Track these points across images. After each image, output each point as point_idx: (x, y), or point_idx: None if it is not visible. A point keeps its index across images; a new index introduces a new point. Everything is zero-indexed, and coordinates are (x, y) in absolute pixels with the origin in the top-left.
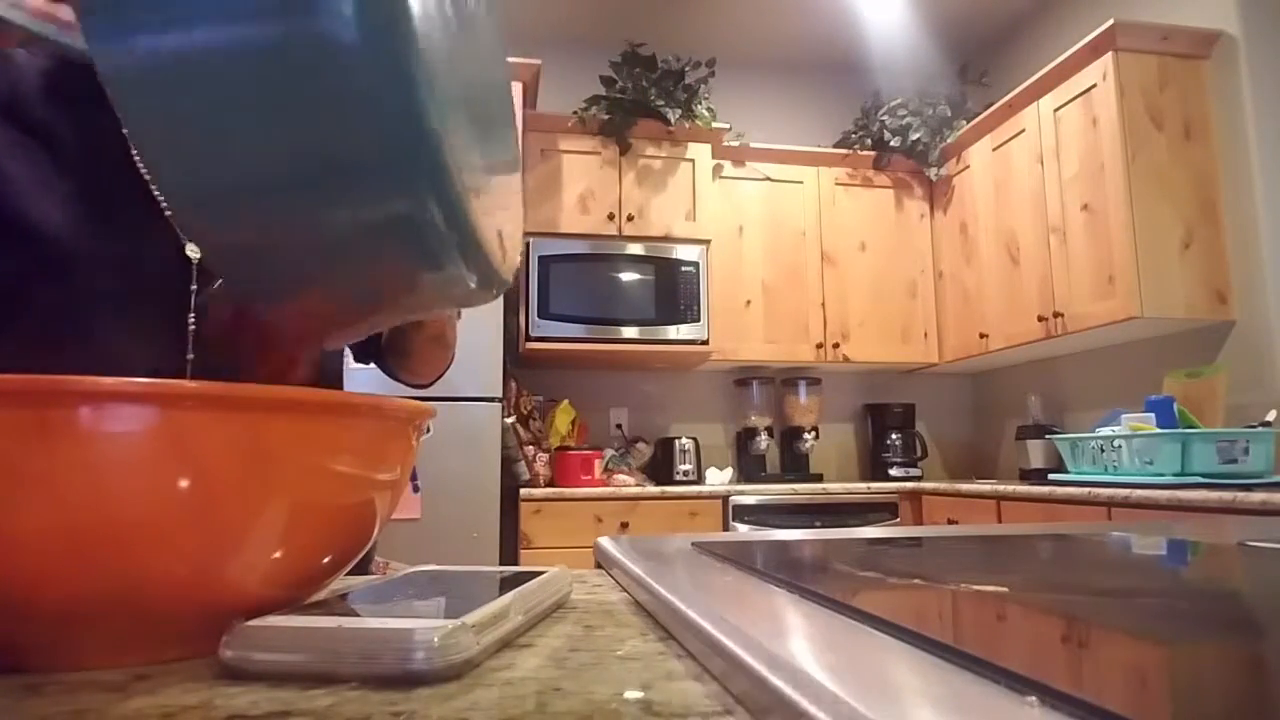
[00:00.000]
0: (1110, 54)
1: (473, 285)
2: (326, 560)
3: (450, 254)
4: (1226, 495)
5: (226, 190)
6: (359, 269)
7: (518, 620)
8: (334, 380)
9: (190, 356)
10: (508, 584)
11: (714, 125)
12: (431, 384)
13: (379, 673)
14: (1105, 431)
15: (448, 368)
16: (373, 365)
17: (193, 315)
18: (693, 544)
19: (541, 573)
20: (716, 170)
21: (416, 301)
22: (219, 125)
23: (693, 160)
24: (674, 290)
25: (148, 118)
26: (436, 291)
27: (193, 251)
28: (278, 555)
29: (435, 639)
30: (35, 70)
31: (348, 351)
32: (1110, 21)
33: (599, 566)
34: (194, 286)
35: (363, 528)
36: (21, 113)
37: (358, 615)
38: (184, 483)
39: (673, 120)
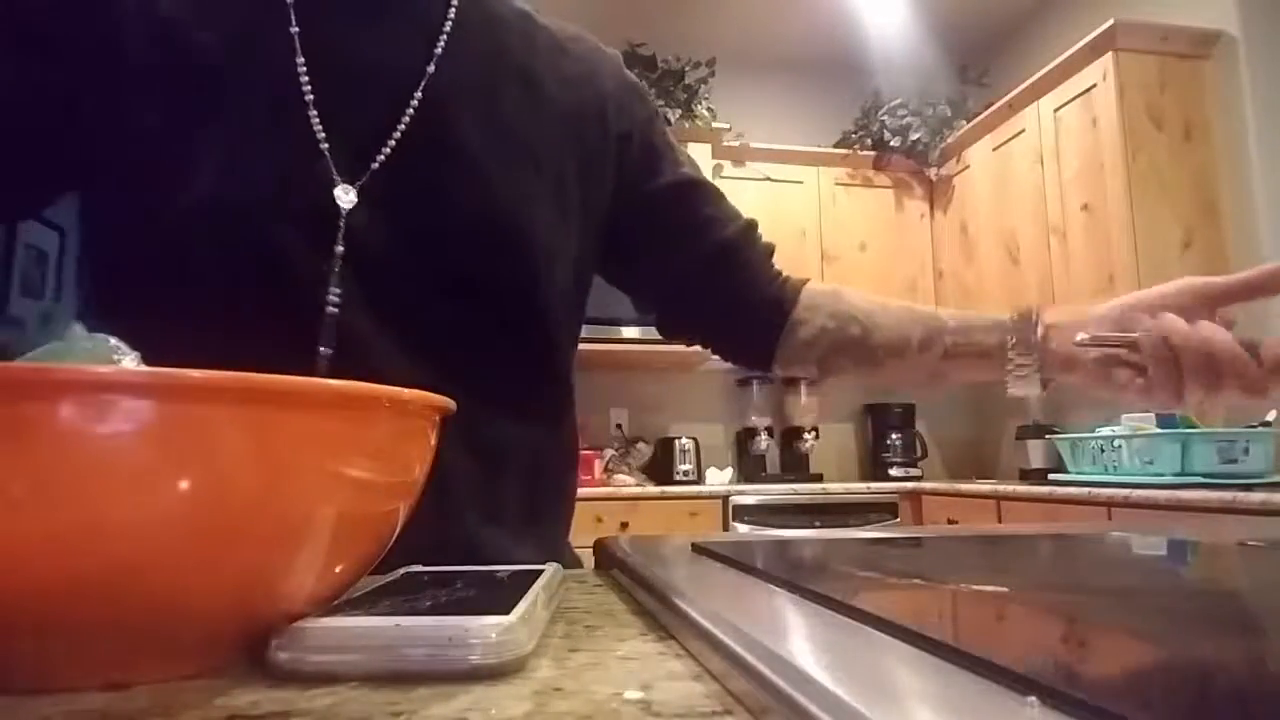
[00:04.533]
0: (1110, 54)
1: None
2: (348, 566)
3: None
4: (1226, 495)
5: None
6: None
7: (545, 616)
8: None
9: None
10: (512, 581)
11: (714, 125)
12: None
13: (441, 670)
14: (1105, 431)
15: None
16: None
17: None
18: (693, 544)
19: (540, 571)
20: (716, 170)
21: None
22: None
23: None
24: None
25: None
26: None
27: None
28: (289, 566)
29: (493, 635)
30: None
31: None
32: (1110, 21)
33: (599, 566)
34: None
35: (384, 530)
36: None
37: (404, 615)
38: (184, 484)
39: (672, 120)
